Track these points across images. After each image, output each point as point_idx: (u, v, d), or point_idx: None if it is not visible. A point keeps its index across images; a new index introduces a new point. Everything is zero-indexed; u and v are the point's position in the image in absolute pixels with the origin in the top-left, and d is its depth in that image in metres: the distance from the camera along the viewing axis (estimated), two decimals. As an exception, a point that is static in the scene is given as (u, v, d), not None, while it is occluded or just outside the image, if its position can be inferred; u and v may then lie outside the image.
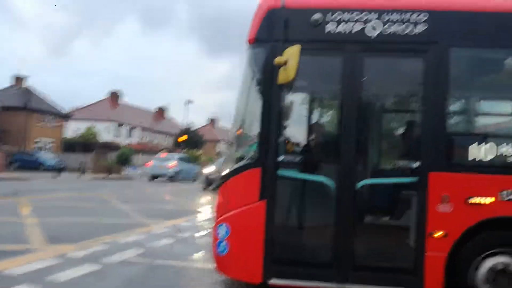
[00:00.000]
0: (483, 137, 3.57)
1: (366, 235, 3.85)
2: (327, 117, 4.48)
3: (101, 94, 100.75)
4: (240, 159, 3.96)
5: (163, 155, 28.54)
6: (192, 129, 53.45)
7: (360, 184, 3.68)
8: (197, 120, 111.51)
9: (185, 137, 43.01)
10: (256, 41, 3.83)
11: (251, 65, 3.96)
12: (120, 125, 52.43)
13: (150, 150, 47.92)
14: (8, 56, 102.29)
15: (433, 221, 3.47)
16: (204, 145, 55.88)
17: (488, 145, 3.49)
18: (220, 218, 3.80)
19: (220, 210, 3.88)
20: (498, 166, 3.50)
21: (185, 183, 24.52)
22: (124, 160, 36.15)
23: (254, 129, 3.88)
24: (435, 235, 3.46)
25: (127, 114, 55.85)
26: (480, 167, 3.50)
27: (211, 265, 4.17)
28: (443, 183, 3.49)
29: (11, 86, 43.33)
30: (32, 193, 12.97)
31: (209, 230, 7.47)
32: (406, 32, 3.62)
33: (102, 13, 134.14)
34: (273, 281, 3.61)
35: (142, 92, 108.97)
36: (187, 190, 18.28)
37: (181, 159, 27.10)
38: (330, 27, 3.71)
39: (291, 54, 3.51)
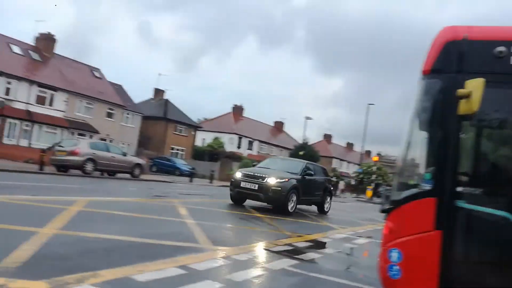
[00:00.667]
0: None
1: None
2: (507, 150, 4.18)
3: (222, 107, 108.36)
4: (411, 186, 3.96)
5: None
6: (308, 144, 53.89)
7: None
8: (309, 135, 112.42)
9: (303, 152, 43.61)
10: (432, 72, 3.83)
11: (426, 95, 3.94)
12: (241, 137, 55.26)
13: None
14: (147, 72, 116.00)
15: None
16: (319, 160, 55.85)
17: None
18: (392, 243, 3.82)
19: (391, 234, 3.89)
20: None
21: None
22: (245, 170, 38.01)
23: (429, 158, 3.86)
24: None
25: (248, 127, 58.64)
26: None
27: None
28: None
29: (152, 99, 48.89)
30: (180, 196, 14.36)
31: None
32: None
33: (225, 32, 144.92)
34: None
35: (259, 107, 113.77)
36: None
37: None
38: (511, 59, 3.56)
39: (475, 86, 3.48)
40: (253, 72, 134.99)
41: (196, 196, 15.18)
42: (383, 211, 4.29)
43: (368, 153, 76.39)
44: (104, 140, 35.20)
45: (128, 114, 40.27)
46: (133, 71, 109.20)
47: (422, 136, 3.95)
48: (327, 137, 76.08)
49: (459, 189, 3.70)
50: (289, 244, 7.13)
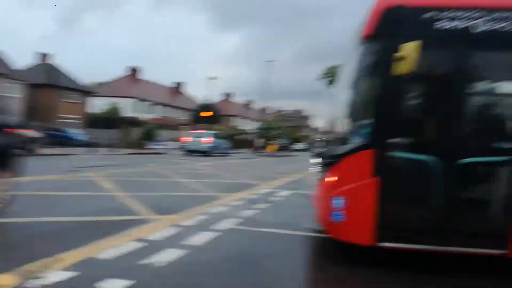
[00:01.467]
0: None
1: (466, 206, 4.34)
2: (435, 105, 4.92)
3: (116, 69, 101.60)
4: (349, 140, 4.47)
5: (196, 131, 29.85)
6: (210, 104, 54.02)
7: (463, 162, 4.19)
8: (208, 94, 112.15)
9: (210, 113, 43.66)
10: (372, 37, 4.29)
11: (364, 57, 4.41)
12: (141, 100, 53.05)
13: (169, 125, 48.69)
14: (25, 35, 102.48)
15: None
16: (222, 120, 56.54)
17: None
18: (336, 192, 4.35)
19: (334, 185, 4.41)
20: None
21: (219, 158, 25.53)
22: (148, 135, 37.03)
23: (366, 115, 4.37)
24: None
25: (146, 90, 56.39)
26: None
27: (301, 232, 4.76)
28: None
29: (35, 64, 43.94)
30: (95, 169, 13.64)
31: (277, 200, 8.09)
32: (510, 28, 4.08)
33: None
34: (385, 244, 4.20)
35: (155, 68, 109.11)
36: (231, 164, 18.97)
37: (214, 135, 28.32)
38: (443, 24, 4.16)
39: (411, 49, 3.99)
40: (147, 32, 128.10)
41: (110, 168, 14.62)
42: (325, 164, 4.80)
43: (264, 109, 78.94)
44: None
45: (9, 82, 35.83)
46: (8, 34, 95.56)
47: (359, 96, 4.47)
48: (227, 96, 76.72)
49: (390, 141, 4.31)
50: (225, 205, 7.47)
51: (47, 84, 40.08)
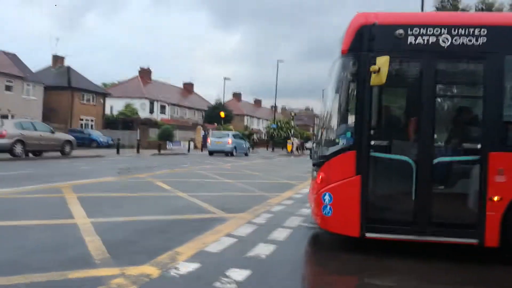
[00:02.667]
0: None
1: (439, 200, 4.90)
2: (408, 110, 5.49)
3: (120, 69, 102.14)
4: (335, 143, 5.13)
5: (218, 132, 31.01)
6: (220, 104, 54.65)
7: (435, 161, 4.80)
8: (217, 94, 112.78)
9: (222, 114, 44.31)
10: (349, 51, 4.92)
11: (343, 70, 5.04)
12: (153, 101, 53.77)
13: (182, 126, 49.37)
14: (32, 37, 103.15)
15: (492, 189, 4.57)
16: (233, 119, 57.16)
17: None
18: (324, 188, 4.95)
19: (324, 182, 5.02)
20: None
21: (242, 158, 26.28)
22: (166, 136, 37.72)
23: (349, 120, 5.01)
24: (494, 199, 4.57)
25: (158, 90, 57.09)
26: None
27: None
28: (499, 160, 4.58)
29: (51, 66, 44.67)
30: (137, 170, 14.28)
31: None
32: (470, 43, 4.67)
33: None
34: (368, 235, 4.76)
35: (157, 66, 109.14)
36: (258, 164, 19.59)
37: (234, 136, 29.11)
38: (410, 40, 4.76)
39: (383, 63, 4.53)
40: (148, 30, 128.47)
41: (152, 169, 15.25)
42: (314, 164, 5.39)
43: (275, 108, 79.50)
44: (6, 116, 31.97)
45: (28, 85, 36.65)
46: (16, 36, 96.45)
47: (342, 104, 5.09)
48: (237, 96, 77.23)
49: (372, 142, 4.92)
50: (280, 204, 8.09)
51: (65, 87, 40.84)
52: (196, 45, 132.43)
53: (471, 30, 4.70)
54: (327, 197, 4.92)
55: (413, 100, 5.22)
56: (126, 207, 7.29)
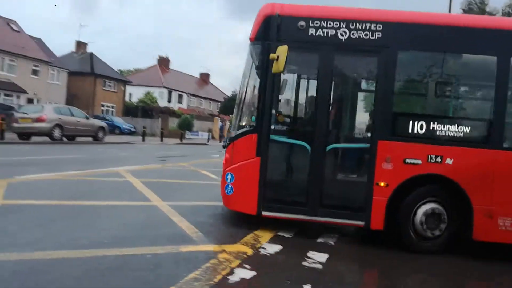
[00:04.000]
0: (416, 116, 5.02)
1: (331, 183, 5.24)
2: (307, 98, 5.88)
3: (129, 54, 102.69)
4: (243, 126, 5.39)
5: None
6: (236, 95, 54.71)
7: (329, 147, 5.14)
8: (226, 84, 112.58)
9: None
10: (255, 39, 5.20)
11: (252, 57, 5.37)
12: (171, 91, 54.45)
13: (199, 116, 50.00)
14: (52, 22, 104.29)
15: (379, 175, 4.89)
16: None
17: (420, 122, 4.88)
18: (228, 168, 5.25)
19: (228, 163, 5.31)
20: (427, 138, 4.87)
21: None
22: (186, 125, 38.38)
23: (254, 105, 5.31)
24: (381, 184, 4.89)
25: (176, 79, 57.71)
26: (414, 137, 4.88)
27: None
28: (387, 149, 4.90)
29: (74, 52, 45.50)
30: (172, 159, 14.84)
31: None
32: (366, 37, 4.94)
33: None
34: (265, 213, 5.09)
35: (171, 54, 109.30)
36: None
37: None
38: (311, 31, 5.03)
39: (282, 52, 4.77)
40: (162, 17, 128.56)
41: (186, 157, 15.86)
42: (223, 146, 5.78)
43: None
44: (32, 100, 32.86)
45: (53, 70, 37.50)
46: (33, 21, 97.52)
47: (248, 90, 5.40)
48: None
49: (272, 127, 5.16)
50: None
51: (88, 73, 41.63)
52: (210, 33, 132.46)
53: (368, 25, 4.96)
54: (229, 177, 5.21)
55: (311, 89, 5.52)
56: (189, 193, 7.90)
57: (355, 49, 5.10)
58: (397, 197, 4.95)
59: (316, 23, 5.02)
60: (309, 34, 5.03)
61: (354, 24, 4.98)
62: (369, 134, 5.18)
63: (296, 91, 6.15)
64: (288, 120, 5.57)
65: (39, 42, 38.76)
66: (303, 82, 6.14)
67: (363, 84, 6.07)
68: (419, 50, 5.10)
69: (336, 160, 5.40)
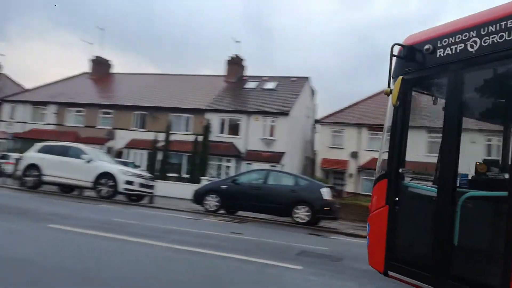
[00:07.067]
0: None
1: (467, 248, 3.75)
2: (437, 139, 4.47)
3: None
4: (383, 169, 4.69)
5: None
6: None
7: (466, 195, 3.66)
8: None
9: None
10: (393, 77, 4.32)
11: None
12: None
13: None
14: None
15: None
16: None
17: None
18: (368, 217, 4.68)
19: (370, 210, 4.78)
20: None
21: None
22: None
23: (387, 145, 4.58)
24: None
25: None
26: None
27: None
28: None
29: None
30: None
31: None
32: (503, 39, 3.45)
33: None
34: (391, 274, 4.18)
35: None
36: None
37: None
38: (439, 53, 3.94)
39: (395, 84, 4.11)
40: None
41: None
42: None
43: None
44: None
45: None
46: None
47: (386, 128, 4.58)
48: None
49: (401, 170, 4.26)
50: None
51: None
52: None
53: (503, 24, 3.56)
54: (367, 226, 4.66)
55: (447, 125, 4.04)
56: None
57: (490, 59, 3.61)
58: None
59: (443, 42, 3.93)
60: (438, 55, 3.96)
61: (486, 28, 3.58)
62: None
63: (426, 132, 5.21)
64: (422, 164, 4.75)
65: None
66: (435, 118, 4.70)
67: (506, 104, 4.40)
68: None
69: (480, 217, 3.85)
